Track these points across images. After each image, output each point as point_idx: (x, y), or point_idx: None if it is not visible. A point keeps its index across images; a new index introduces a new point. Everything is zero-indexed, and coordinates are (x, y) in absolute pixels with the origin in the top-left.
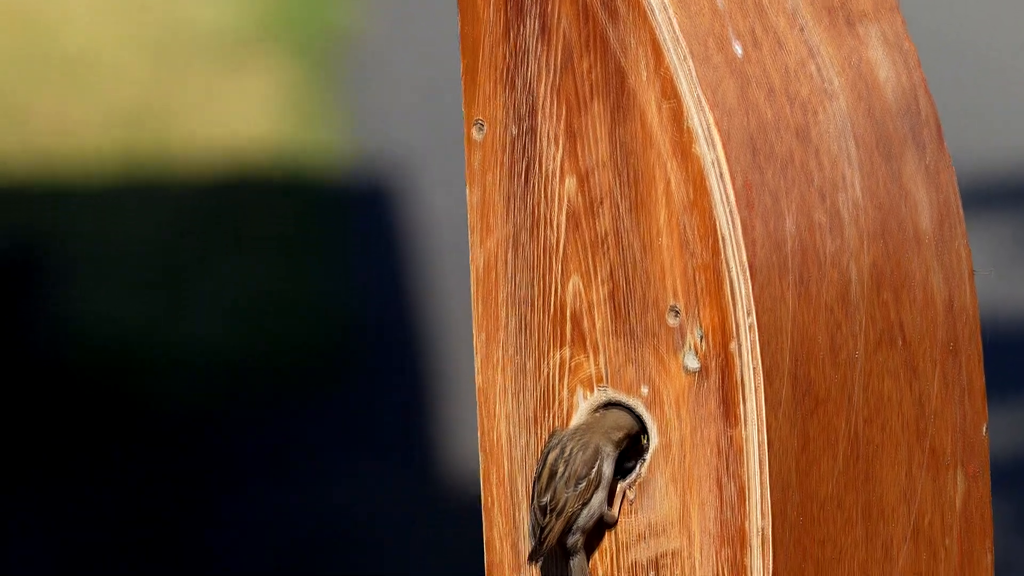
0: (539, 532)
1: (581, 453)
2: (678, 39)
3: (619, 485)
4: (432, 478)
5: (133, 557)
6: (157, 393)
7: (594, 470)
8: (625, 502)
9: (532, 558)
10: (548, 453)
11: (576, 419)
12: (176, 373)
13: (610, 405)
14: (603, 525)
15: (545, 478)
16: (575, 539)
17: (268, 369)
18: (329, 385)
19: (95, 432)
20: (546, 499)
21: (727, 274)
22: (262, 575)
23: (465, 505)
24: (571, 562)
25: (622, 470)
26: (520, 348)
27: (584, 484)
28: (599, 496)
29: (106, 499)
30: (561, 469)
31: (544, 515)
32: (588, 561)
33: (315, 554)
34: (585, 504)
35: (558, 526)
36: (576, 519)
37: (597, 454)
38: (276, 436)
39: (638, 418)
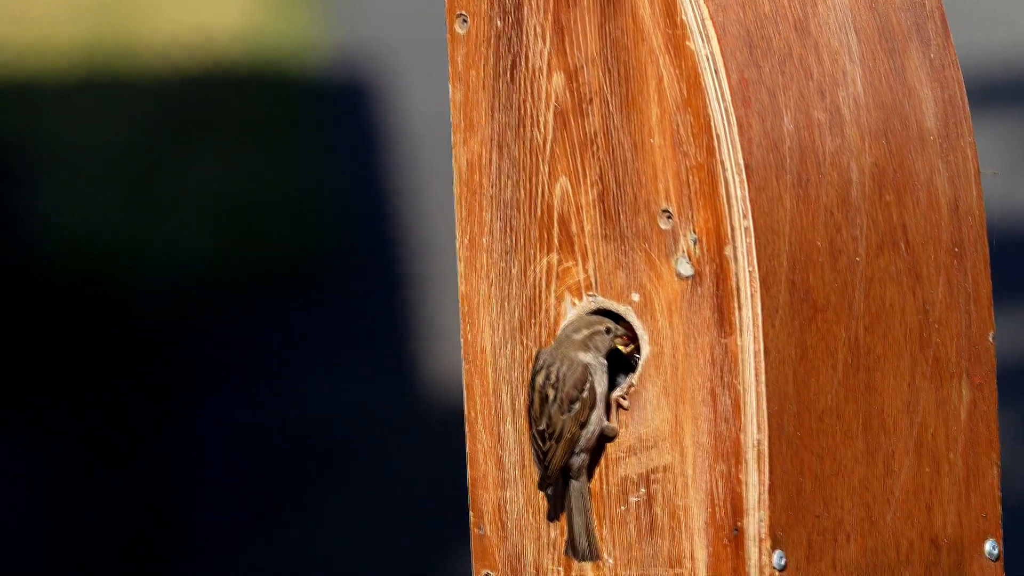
0: (542, 458)
1: (570, 374)
2: None
3: (612, 395)
4: (413, 388)
5: (109, 464)
6: (129, 297)
7: (585, 391)
8: (621, 412)
9: (542, 486)
10: (535, 378)
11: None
12: (149, 276)
13: (599, 313)
14: (604, 439)
15: (538, 404)
16: (580, 460)
17: (244, 271)
18: (306, 289)
19: (65, 338)
20: (543, 426)
21: (722, 175)
22: (239, 481)
23: (447, 417)
24: (571, 485)
25: (613, 384)
26: (505, 253)
27: (578, 405)
28: (596, 413)
29: (80, 406)
30: (551, 394)
31: (544, 441)
32: (589, 481)
33: (291, 462)
34: (583, 425)
35: (560, 451)
36: (577, 441)
37: (586, 372)
38: (252, 341)
39: (613, 318)
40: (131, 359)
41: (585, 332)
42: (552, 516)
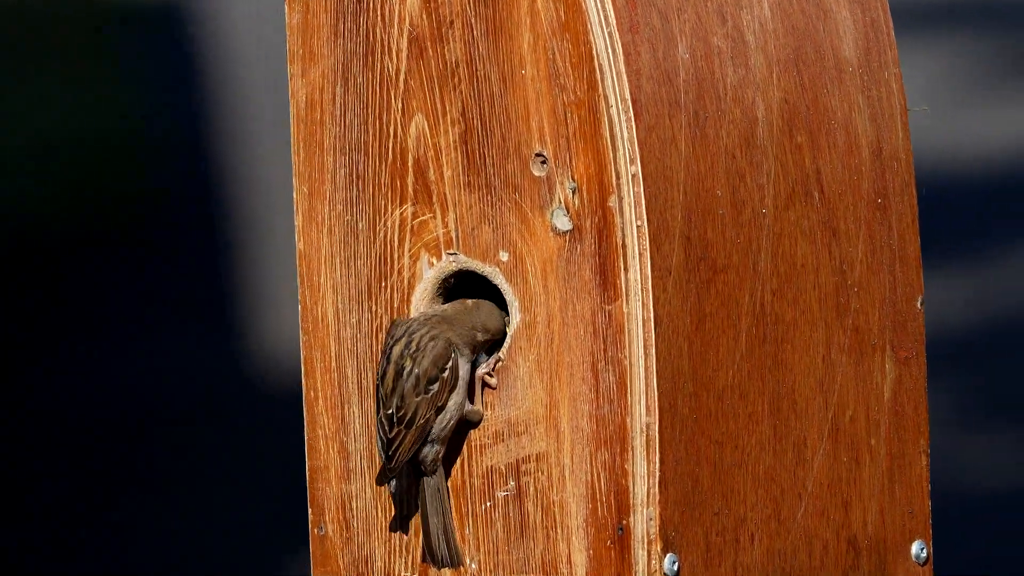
0: (387, 447)
1: (431, 345)
2: None
3: (477, 372)
4: (242, 361)
5: None
6: None
7: (447, 370)
8: (487, 392)
9: (381, 480)
10: (392, 347)
11: (419, 295)
12: None
13: (462, 275)
14: (466, 426)
15: (391, 379)
16: (434, 451)
17: (48, 222)
18: (118, 242)
19: None
20: (392, 408)
21: (606, 112)
22: (46, 460)
23: (282, 396)
24: (424, 481)
25: (477, 361)
26: (351, 204)
27: (437, 386)
28: (456, 398)
29: None
30: (408, 366)
31: (391, 426)
32: (448, 478)
33: (96, 443)
34: (440, 410)
35: (409, 439)
36: (430, 429)
37: (449, 349)
38: (52, 299)
39: (478, 281)
40: None
41: (482, 337)
42: (398, 519)
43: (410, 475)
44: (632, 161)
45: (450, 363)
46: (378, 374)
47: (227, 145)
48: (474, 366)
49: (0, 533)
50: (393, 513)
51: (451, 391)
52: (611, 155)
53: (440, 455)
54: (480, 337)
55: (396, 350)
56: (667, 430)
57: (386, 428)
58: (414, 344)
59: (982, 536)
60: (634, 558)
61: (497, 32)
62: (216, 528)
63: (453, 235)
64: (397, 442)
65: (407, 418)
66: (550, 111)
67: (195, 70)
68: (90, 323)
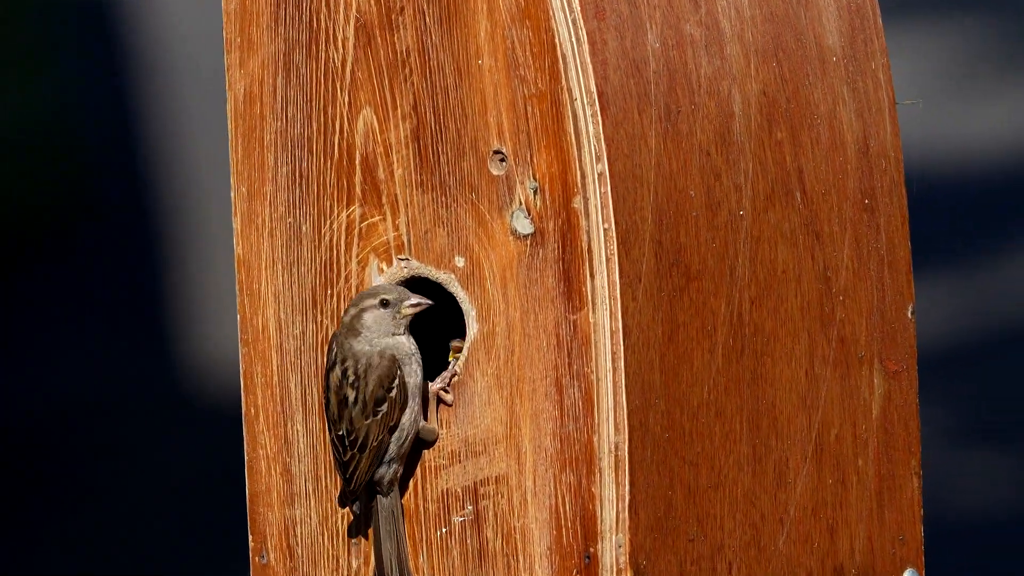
0: (344, 469)
1: (373, 370)
2: None
3: (431, 387)
4: (178, 376)
5: None
6: None
7: (394, 388)
8: (442, 409)
9: (343, 502)
10: (329, 373)
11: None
12: None
13: (414, 282)
14: (420, 445)
15: (335, 406)
16: (391, 471)
17: None
18: (46, 248)
19: None
20: (342, 430)
21: (569, 106)
22: None
23: (221, 413)
24: (378, 502)
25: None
26: (294, 206)
27: (386, 407)
28: (409, 414)
29: None
30: (351, 395)
31: (344, 449)
32: (402, 496)
33: (24, 461)
34: (393, 429)
35: (365, 461)
36: (386, 450)
37: (394, 366)
38: None
39: (428, 287)
40: None
41: (352, 312)
42: (355, 533)
43: (364, 494)
44: (598, 159)
45: (396, 381)
46: (322, 397)
47: (161, 141)
48: (428, 375)
49: None
50: (344, 537)
51: (402, 409)
52: (575, 152)
53: (398, 474)
54: (345, 318)
55: (333, 378)
56: (637, 450)
57: (339, 450)
58: (351, 373)
59: (976, 562)
60: None
61: (451, 19)
62: (149, 556)
63: (404, 239)
64: (353, 465)
65: (359, 441)
66: (509, 105)
67: (126, 62)
68: (12, 329)
